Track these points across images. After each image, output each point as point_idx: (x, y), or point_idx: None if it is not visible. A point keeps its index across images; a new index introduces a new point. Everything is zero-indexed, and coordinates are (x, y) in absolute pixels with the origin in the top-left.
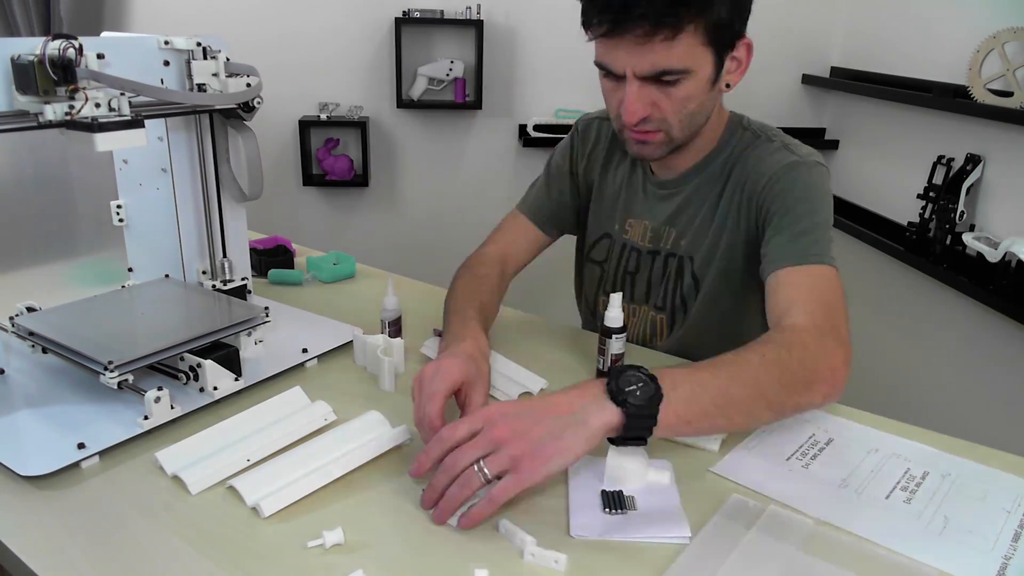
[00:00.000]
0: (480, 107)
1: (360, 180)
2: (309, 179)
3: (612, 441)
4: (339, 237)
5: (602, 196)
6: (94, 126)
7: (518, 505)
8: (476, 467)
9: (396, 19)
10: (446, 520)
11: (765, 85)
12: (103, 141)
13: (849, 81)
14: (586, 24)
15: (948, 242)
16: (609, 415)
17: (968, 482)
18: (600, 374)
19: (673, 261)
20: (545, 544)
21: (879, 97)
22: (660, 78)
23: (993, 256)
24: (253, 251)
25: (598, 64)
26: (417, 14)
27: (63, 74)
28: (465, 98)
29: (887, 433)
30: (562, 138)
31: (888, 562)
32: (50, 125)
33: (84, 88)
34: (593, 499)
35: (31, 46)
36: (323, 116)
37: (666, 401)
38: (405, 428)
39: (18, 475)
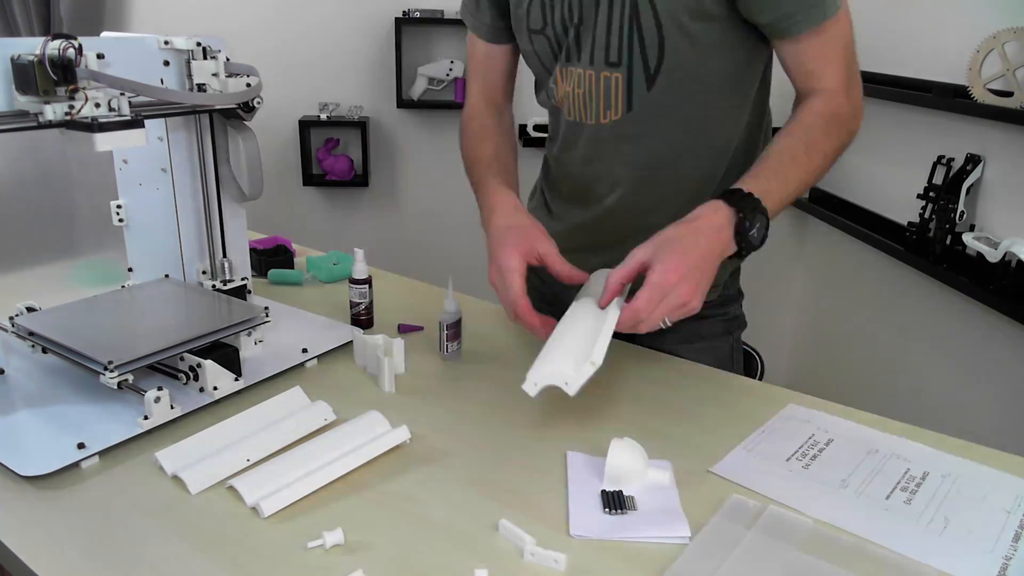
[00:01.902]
0: None
1: (360, 180)
2: (309, 179)
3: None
4: (339, 237)
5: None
6: (94, 126)
7: (518, 505)
8: (663, 322)
9: (396, 19)
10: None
11: None
12: (103, 141)
13: None
14: None
15: (948, 242)
16: (732, 250)
17: (968, 482)
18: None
19: (620, 2)
20: (545, 544)
21: (879, 97)
22: None
23: (993, 256)
24: (253, 251)
25: None
26: (417, 14)
27: (63, 74)
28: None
29: (887, 433)
30: None
31: (888, 562)
32: (50, 125)
33: (84, 88)
34: (593, 499)
35: (31, 46)
36: (323, 116)
37: (766, 205)
38: (405, 428)
39: (18, 475)
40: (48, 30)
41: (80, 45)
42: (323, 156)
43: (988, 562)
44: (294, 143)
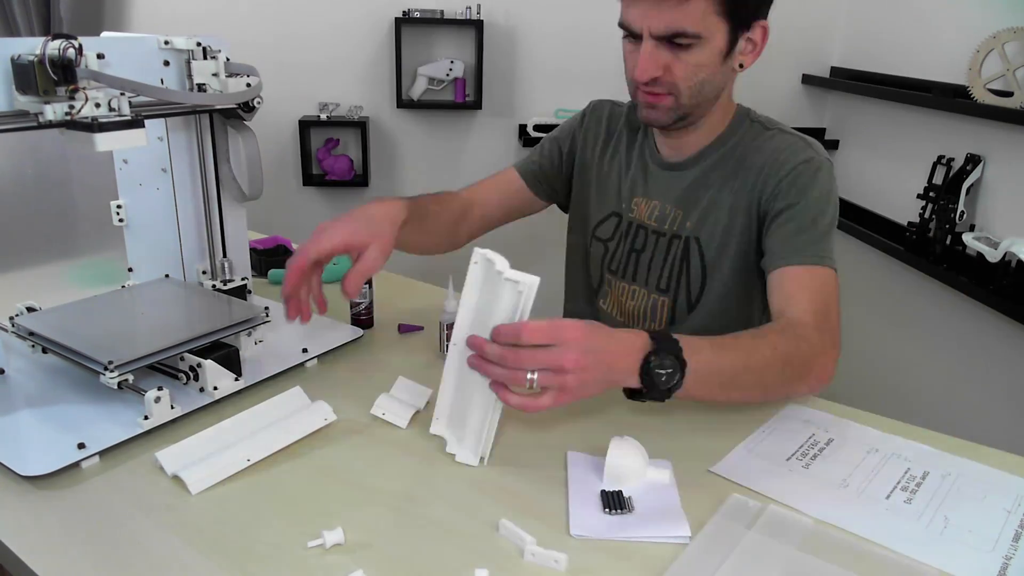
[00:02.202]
0: (480, 107)
1: (360, 180)
2: (309, 179)
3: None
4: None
5: (610, 177)
6: (94, 126)
7: (518, 505)
8: (530, 375)
9: (396, 19)
10: (472, 366)
11: (765, 85)
12: (103, 141)
13: (849, 81)
14: None
15: (948, 242)
16: (632, 383)
17: (968, 482)
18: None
19: (678, 243)
20: (545, 544)
21: (879, 97)
22: (673, 39)
23: (993, 256)
24: (253, 251)
25: (621, 25)
26: (417, 14)
27: (63, 74)
28: (465, 98)
29: (887, 433)
30: None
31: (888, 562)
32: (50, 125)
33: (84, 88)
34: (593, 499)
35: (31, 46)
36: (323, 116)
37: (683, 387)
38: (324, 404)
39: (18, 475)
40: (48, 30)
41: (80, 45)
42: (323, 156)
43: (988, 561)
44: (294, 143)
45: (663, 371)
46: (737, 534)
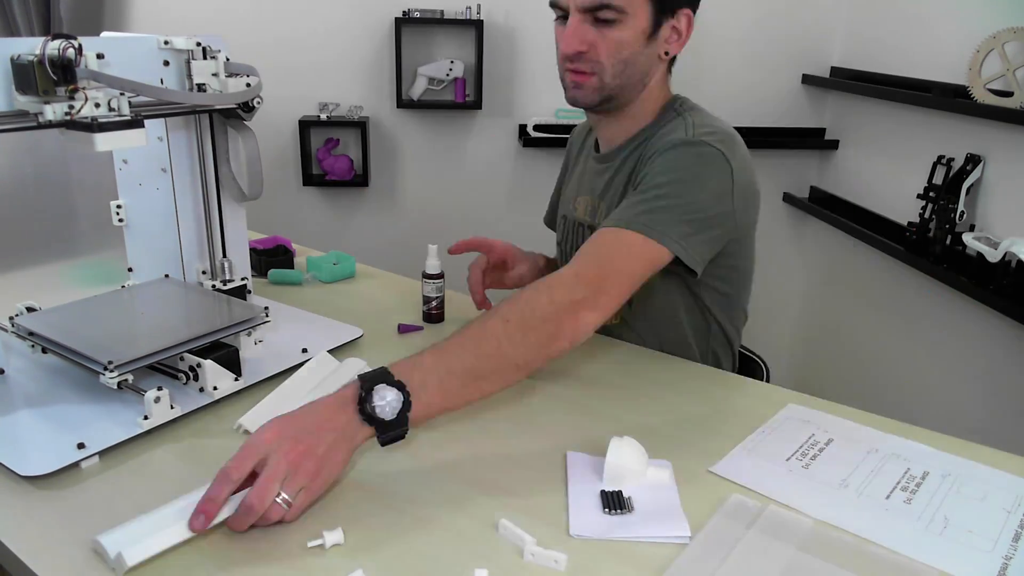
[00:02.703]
0: (480, 107)
1: (360, 180)
2: (309, 179)
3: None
4: (339, 237)
5: (567, 183)
6: (94, 126)
7: (518, 505)
8: (279, 500)
9: (396, 19)
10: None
11: (765, 85)
12: (103, 141)
13: (849, 81)
14: None
15: (948, 242)
16: (366, 431)
17: (968, 482)
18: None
19: None
20: (545, 544)
21: (879, 97)
22: (597, 13)
23: (993, 256)
24: (253, 251)
25: (552, 5)
26: (417, 14)
27: (63, 74)
28: (465, 98)
29: (887, 433)
30: (562, 138)
31: (888, 562)
32: (50, 125)
33: (84, 88)
34: (593, 499)
35: (31, 46)
36: (323, 116)
37: (416, 401)
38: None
39: (18, 475)
40: (48, 30)
41: (80, 45)
42: (323, 156)
43: (988, 562)
44: (294, 143)
45: (383, 402)
46: (737, 534)
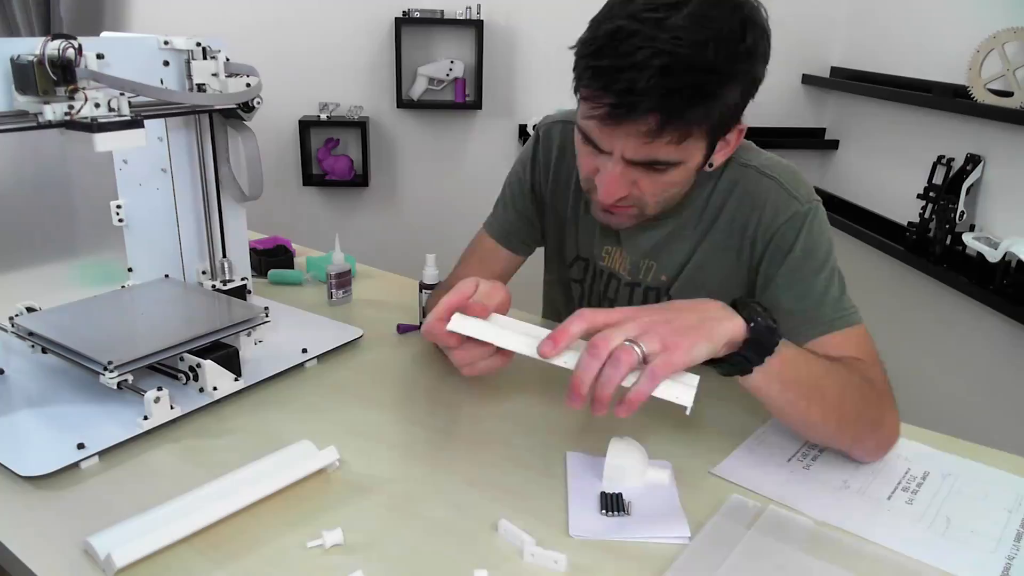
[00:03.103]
0: (480, 107)
1: (360, 180)
2: (309, 179)
3: (713, 363)
4: (339, 237)
5: (577, 217)
6: (94, 126)
7: (518, 505)
8: (629, 344)
9: (396, 19)
10: (606, 409)
11: (765, 85)
12: (103, 141)
13: (849, 81)
14: (579, 87)
15: (948, 242)
16: (736, 325)
17: (969, 482)
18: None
19: (653, 295)
20: (545, 544)
21: (879, 97)
22: (650, 165)
23: (993, 256)
24: (253, 251)
25: (580, 129)
26: (417, 14)
27: (63, 74)
28: (465, 98)
29: None
30: None
31: (890, 562)
32: (50, 125)
33: (84, 88)
34: (592, 500)
35: (31, 46)
36: (323, 116)
37: (778, 348)
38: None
39: (18, 475)
40: (48, 30)
41: (80, 45)
42: (323, 156)
43: (991, 562)
44: (294, 143)
45: (759, 315)
46: (737, 534)
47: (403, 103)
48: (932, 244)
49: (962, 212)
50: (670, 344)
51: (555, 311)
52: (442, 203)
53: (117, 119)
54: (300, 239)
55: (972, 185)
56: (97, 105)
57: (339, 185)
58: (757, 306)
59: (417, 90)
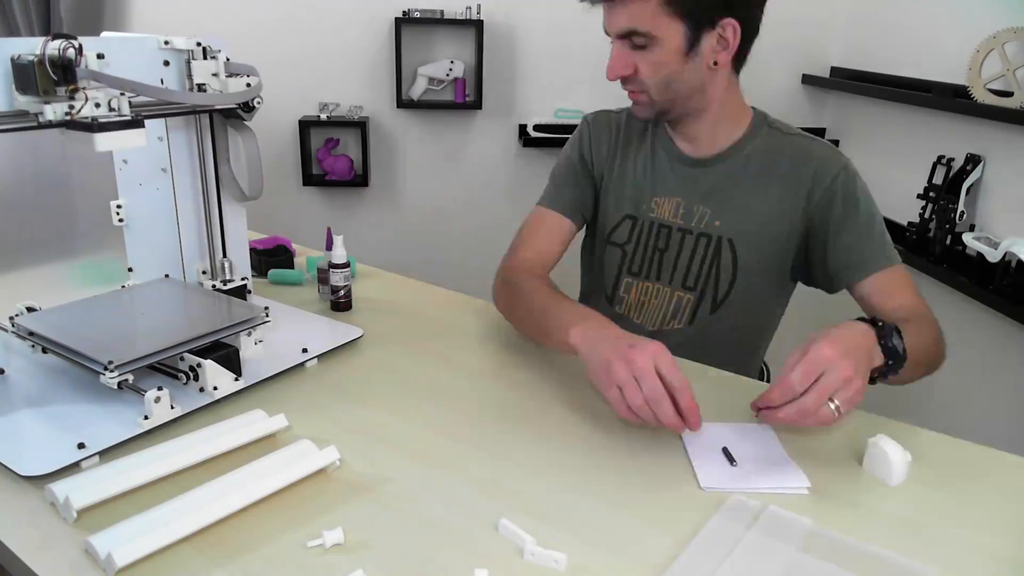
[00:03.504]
0: (480, 107)
1: (360, 180)
2: (309, 179)
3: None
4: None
5: (623, 182)
6: (94, 126)
7: (518, 505)
8: (830, 405)
9: (396, 19)
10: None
11: (765, 85)
12: (103, 141)
13: (849, 81)
14: None
15: (948, 242)
16: (878, 359)
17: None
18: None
19: (706, 240)
20: (545, 544)
21: (879, 97)
22: (631, 39)
23: (993, 256)
24: (253, 251)
25: (606, 31)
26: (417, 14)
27: (63, 74)
28: (465, 98)
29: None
30: (562, 138)
31: (889, 562)
32: (50, 125)
33: (84, 88)
34: (717, 455)
35: (31, 46)
36: (323, 116)
37: (905, 359)
38: (332, 448)
39: (18, 475)
40: (48, 30)
41: (80, 45)
42: (323, 156)
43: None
44: (294, 143)
45: (895, 342)
46: (737, 534)
47: (403, 103)
48: (932, 244)
49: (962, 212)
50: (855, 398)
51: (590, 282)
52: (442, 203)
53: (117, 119)
54: (300, 239)
55: (972, 185)
56: (97, 105)
57: (339, 185)
58: (896, 335)
59: (417, 90)
